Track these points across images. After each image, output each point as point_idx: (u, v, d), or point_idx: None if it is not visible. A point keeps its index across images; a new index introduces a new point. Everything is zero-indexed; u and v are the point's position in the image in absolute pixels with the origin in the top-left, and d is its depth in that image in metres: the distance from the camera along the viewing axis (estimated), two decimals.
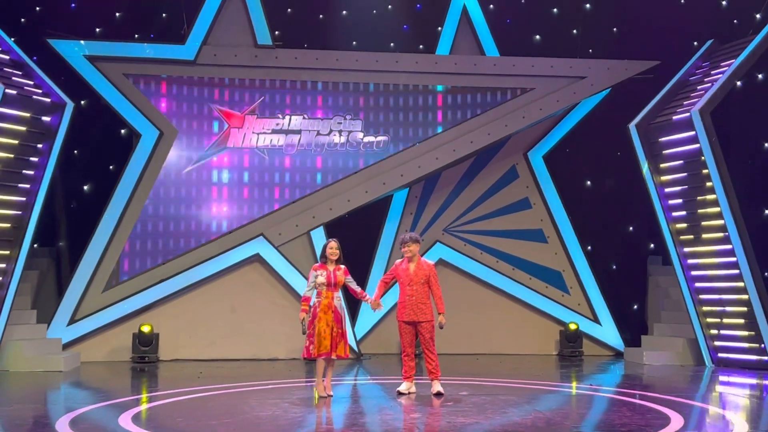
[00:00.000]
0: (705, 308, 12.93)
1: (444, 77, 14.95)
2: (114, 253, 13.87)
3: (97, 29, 14.60)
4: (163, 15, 14.83)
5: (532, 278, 15.10)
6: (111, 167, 14.53)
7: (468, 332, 14.65)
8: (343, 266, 9.66)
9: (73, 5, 14.75)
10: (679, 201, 13.11)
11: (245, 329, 14.14)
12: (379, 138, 15.00)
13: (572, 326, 14.61)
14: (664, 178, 13.30)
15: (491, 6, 15.36)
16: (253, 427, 7.87)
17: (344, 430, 7.98)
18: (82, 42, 13.92)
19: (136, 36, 14.55)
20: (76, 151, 14.38)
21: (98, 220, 13.82)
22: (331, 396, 9.51)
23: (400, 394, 9.74)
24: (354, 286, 9.78)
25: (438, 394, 9.58)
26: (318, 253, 14.46)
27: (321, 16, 15.41)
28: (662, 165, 13.32)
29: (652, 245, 15.16)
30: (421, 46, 15.40)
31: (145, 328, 13.50)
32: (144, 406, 9.22)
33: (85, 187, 14.73)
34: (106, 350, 13.72)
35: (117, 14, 14.87)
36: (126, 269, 14.07)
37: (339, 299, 9.55)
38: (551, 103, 14.75)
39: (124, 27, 14.67)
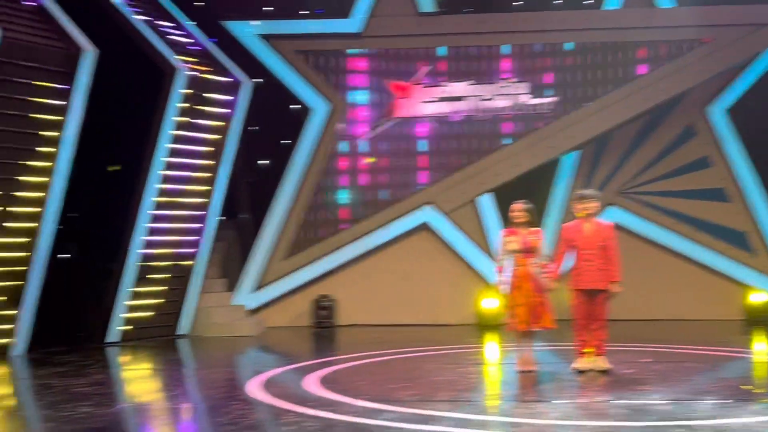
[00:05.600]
0: None
1: (613, 32, 14.38)
2: (293, 223, 14.45)
3: (263, 8, 14.99)
4: None
5: (714, 239, 14.35)
6: (282, 142, 14.95)
7: (645, 298, 14.13)
8: (538, 229, 8.78)
9: None
10: None
11: (417, 296, 14.36)
12: (548, 99, 14.62)
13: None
14: None
15: None
16: (432, 391, 8.02)
17: (525, 396, 7.96)
18: (253, 22, 14.44)
19: (300, 13, 14.86)
20: (258, 128, 14.35)
21: (275, 193, 14.42)
22: (534, 371, 8.78)
23: (578, 371, 8.73)
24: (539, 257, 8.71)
25: (606, 371, 8.66)
26: (485, 220, 14.68)
27: None
28: None
29: None
30: (584, 2, 14.82)
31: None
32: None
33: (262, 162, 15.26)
34: (288, 316, 14.39)
35: None
36: (304, 238, 14.63)
37: (536, 265, 8.68)
38: (732, 55, 13.85)
39: (288, 4, 14.90)
